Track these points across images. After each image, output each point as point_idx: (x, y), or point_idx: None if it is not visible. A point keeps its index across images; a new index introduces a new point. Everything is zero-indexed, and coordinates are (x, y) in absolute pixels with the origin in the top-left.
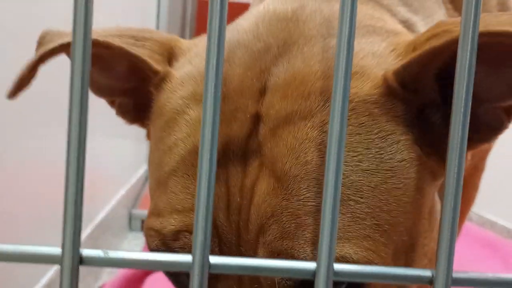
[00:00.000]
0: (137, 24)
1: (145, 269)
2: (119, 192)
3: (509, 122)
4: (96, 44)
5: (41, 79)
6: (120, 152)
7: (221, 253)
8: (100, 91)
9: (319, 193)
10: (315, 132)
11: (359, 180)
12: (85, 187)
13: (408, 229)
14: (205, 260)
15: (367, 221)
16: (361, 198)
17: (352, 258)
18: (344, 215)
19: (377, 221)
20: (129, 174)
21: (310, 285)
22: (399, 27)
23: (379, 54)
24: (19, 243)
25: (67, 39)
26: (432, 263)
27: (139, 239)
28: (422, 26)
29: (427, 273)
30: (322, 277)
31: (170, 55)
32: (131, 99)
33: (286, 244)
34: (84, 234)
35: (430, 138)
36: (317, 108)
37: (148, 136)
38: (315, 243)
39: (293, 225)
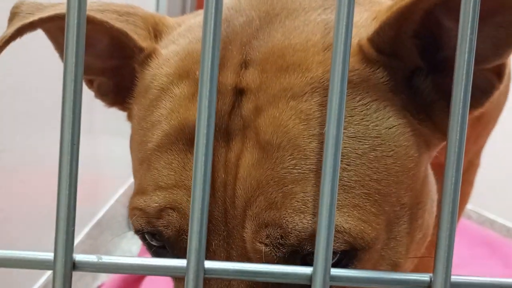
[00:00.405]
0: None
1: (139, 274)
2: (118, 191)
3: (500, 83)
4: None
5: (39, 77)
6: (119, 151)
7: (208, 232)
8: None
9: (303, 159)
10: (295, 102)
11: (345, 147)
12: (84, 187)
13: (401, 200)
14: (200, 265)
15: (356, 189)
16: (348, 165)
17: (343, 228)
18: None
19: (367, 190)
20: (128, 173)
21: (298, 256)
22: None
23: (360, 24)
24: (15, 244)
25: (48, 13)
26: (425, 238)
27: (138, 238)
28: None
29: (425, 277)
30: (318, 282)
31: (155, 32)
32: (112, 79)
33: (274, 215)
34: (83, 234)
35: (421, 104)
36: (296, 80)
37: (129, 117)
38: (303, 212)
39: (280, 194)
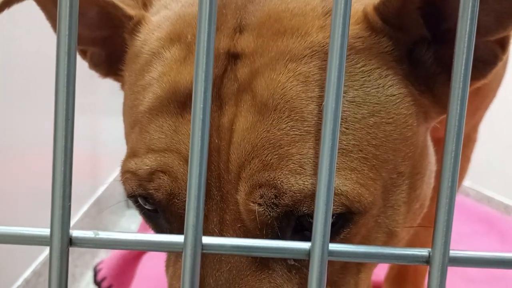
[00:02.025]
0: None
1: (136, 249)
2: (117, 170)
3: (503, 54)
4: None
5: (35, 56)
6: (118, 130)
7: None
8: None
9: (301, 121)
10: (294, 65)
11: (344, 111)
12: (83, 165)
13: (398, 168)
14: (197, 241)
15: (354, 153)
16: (347, 129)
17: (340, 190)
18: None
19: (365, 154)
20: None
21: (292, 217)
22: None
23: None
24: (16, 223)
25: None
26: (422, 208)
27: (137, 217)
28: None
29: (423, 252)
30: (316, 257)
31: (143, 0)
32: (104, 50)
33: (268, 175)
34: (81, 212)
35: (422, 76)
36: (294, 43)
37: (122, 86)
38: (300, 173)
39: (275, 157)
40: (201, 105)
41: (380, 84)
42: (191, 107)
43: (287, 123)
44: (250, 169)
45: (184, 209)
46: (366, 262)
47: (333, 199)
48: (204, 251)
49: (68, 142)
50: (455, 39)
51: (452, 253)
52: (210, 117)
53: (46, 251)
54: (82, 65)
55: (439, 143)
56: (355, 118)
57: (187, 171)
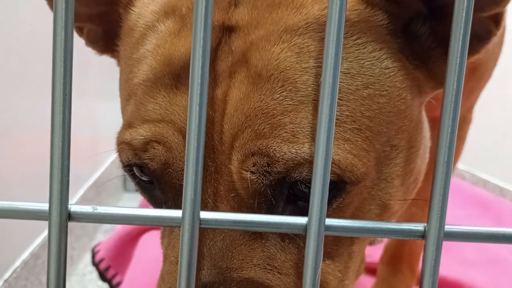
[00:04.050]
0: None
1: (134, 224)
2: (114, 153)
3: (497, 30)
4: None
5: (32, 38)
6: (115, 113)
7: None
8: None
9: (294, 91)
10: (288, 36)
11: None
12: (80, 149)
13: (392, 141)
14: (195, 215)
15: (347, 124)
16: (341, 100)
17: (333, 159)
18: None
19: (358, 125)
20: None
21: (285, 184)
22: None
23: None
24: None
25: None
26: (416, 182)
27: (134, 199)
28: None
29: (419, 227)
30: (313, 231)
31: None
32: (100, 26)
33: (261, 144)
34: (79, 195)
35: (417, 50)
36: (289, 15)
37: (118, 62)
38: (292, 142)
39: (268, 126)
40: (199, 81)
41: (374, 57)
42: (185, 79)
43: (280, 93)
44: (243, 139)
45: (178, 179)
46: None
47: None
48: (202, 226)
49: (65, 117)
50: (451, 14)
51: (448, 228)
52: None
53: (44, 233)
54: (80, 50)
55: (436, 122)
56: (349, 89)
57: (181, 141)
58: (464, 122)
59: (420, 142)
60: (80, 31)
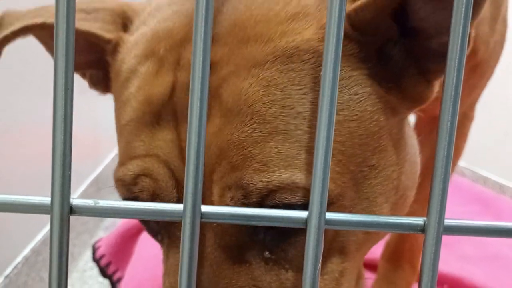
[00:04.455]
0: None
1: (136, 218)
2: (115, 150)
3: (467, 49)
4: (46, 26)
5: (33, 40)
6: None
7: (180, 195)
8: None
9: (262, 123)
10: (256, 70)
11: (305, 111)
12: (81, 146)
13: (368, 161)
14: (196, 209)
15: None
16: (310, 128)
17: (303, 183)
18: (291, 144)
19: (333, 150)
20: None
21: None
22: None
23: None
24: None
25: (30, 21)
26: (405, 199)
27: None
28: None
29: (418, 221)
30: (313, 225)
31: (124, 20)
32: (99, 70)
33: (236, 177)
34: (79, 191)
35: (389, 73)
36: (258, 50)
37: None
38: (263, 171)
39: (240, 157)
40: (200, 75)
41: (342, 84)
42: (165, 115)
43: (250, 125)
44: (219, 172)
45: None
46: (349, 251)
47: (298, 193)
48: (203, 220)
49: (67, 111)
50: (423, 31)
51: (447, 222)
52: (183, 124)
53: (45, 228)
54: None
55: (436, 120)
56: (316, 117)
57: (166, 173)
58: (466, 119)
59: (403, 159)
60: (84, 75)
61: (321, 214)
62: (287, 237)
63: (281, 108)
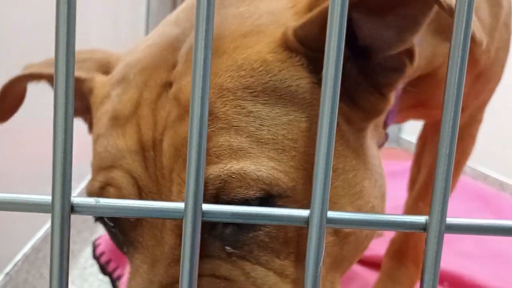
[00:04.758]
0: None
1: (137, 216)
2: None
3: (411, 64)
4: (34, 76)
5: (34, 32)
6: None
7: (140, 195)
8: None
9: (215, 121)
10: (211, 78)
11: (257, 111)
12: (81, 142)
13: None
14: (198, 207)
15: (270, 145)
16: (262, 125)
17: (256, 175)
18: (243, 138)
19: (281, 147)
20: None
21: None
22: None
23: (277, 11)
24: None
25: (31, 70)
26: (374, 209)
27: None
28: None
29: (420, 219)
30: (315, 224)
31: (107, 69)
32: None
33: None
34: (80, 188)
35: (342, 86)
36: (213, 63)
37: None
38: (216, 163)
39: None
40: (201, 71)
41: (292, 90)
42: (130, 128)
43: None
44: (176, 169)
45: (130, 220)
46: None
47: (250, 184)
48: (205, 219)
49: (68, 110)
50: (375, 50)
51: (449, 220)
52: (146, 132)
53: (45, 226)
54: (81, 44)
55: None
56: (268, 116)
57: (130, 181)
58: (474, 121)
59: (364, 166)
60: (85, 120)
61: (322, 213)
62: (246, 232)
63: (233, 108)
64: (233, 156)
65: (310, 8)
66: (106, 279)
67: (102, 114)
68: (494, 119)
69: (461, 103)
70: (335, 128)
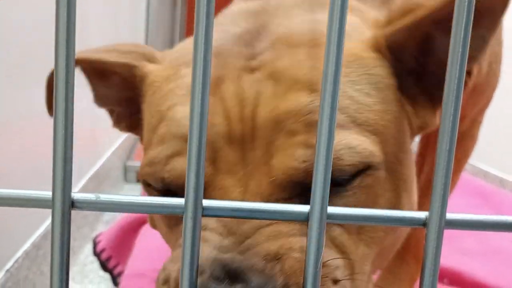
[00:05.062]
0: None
1: (137, 212)
2: (115, 144)
3: (470, 81)
4: (88, 61)
5: (33, 29)
6: None
7: (220, 173)
8: (102, 101)
9: (318, 95)
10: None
11: (356, 96)
12: (81, 139)
13: (397, 154)
14: (198, 203)
15: (364, 126)
16: (358, 109)
17: (360, 148)
18: (345, 117)
19: (373, 129)
20: None
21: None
22: (365, 7)
23: (353, 24)
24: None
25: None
26: (414, 201)
27: (135, 190)
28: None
29: (420, 215)
30: (315, 220)
31: (154, 61)
32: (127, 108)
33: (294, 141)
34: (79, 186)
35: (408, 93)
36: (308, 48)
37: (141, 140)
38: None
39: (300, 123)
40: (201, 67)
41: (380, 85)
42: (213, 102)
43: (307, 95)
44: (279, 140)
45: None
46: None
47: (353, 155)
48: (205, 214)
49: (68, 105)
50: (433, 71)
51: (449, 216)
52: (231, 94)
53: (45, 223)
54: (82, 41)
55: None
56: (363, 103)
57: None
58: (475, 122)
59: (411, 166)
60: (112, 112)
61: (323, 209)
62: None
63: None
64: (337, 129)
65: (388, 23)
66: (106, 275)
67: (170, 89)
68: (494, 116)
69: (461, 98)
70: (335, 126)
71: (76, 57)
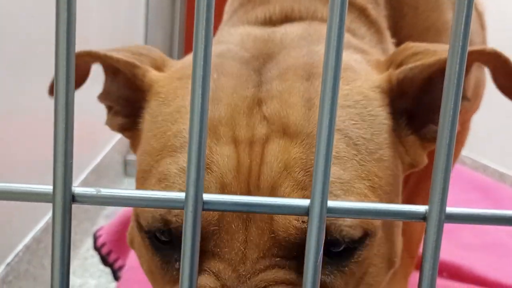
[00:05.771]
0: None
1: (138, 206)
2: (115, 138)
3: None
4: (96, 56)
5: (32, 21)
6: None
7: (225, 217)
8: (105, 96)
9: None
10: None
11: (360, 144)
12: (80, 134)
13: (392, 199)
14: (198, 197)
15: (365, 182)
16: (362, 160)
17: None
18: (349, 173)
19: (372, 184)
20: None
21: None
22: (365, 46)
23: (358, 61)
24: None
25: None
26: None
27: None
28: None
29: (420, 209)
30: (315, 214)
31: (162, 68)
32: (124, 108)
33: (303, 194)
34: (79, 180)
35: (400, 132)
36: (314, 86)
37: (133, 145)
38: (336, 195)
39: (307, 177)
40: (201, 63)
41: (380, 128)
42: (225, 132)
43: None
44: (286, 187)
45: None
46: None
47: (354, 226)
48: (205, 209)
49: (69, 99)
50: (424, 114)
51: (449, 210)
52: (242, 140)
53: (46, 217)
54: (82, 38)
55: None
56: (366, 151)
57: (213, 178)
58: (463, 129)
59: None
60: (110, 109)
61: (323, 202)
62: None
63: (343, 137)
64: (343, 188)
65: (391, 64)
66: (107, 270)
67: (177, 109)
68: (494, 110)
69: (461, 93)
70: (336, 112)
71: (87, 52)
